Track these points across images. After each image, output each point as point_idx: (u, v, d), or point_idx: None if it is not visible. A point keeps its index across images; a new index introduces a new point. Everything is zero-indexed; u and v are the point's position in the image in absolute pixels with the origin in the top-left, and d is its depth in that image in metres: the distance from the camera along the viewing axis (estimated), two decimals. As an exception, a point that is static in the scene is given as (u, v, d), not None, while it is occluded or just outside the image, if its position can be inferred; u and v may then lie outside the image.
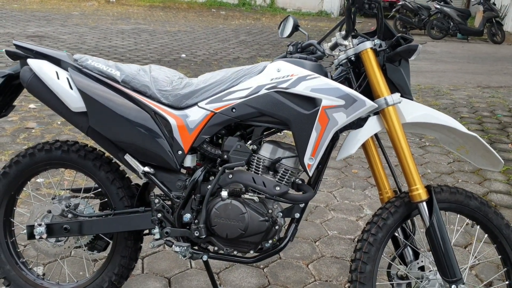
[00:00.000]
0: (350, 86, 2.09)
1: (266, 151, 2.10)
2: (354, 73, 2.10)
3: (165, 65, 8.33)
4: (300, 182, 2.10)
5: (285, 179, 2.08)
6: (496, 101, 7.34)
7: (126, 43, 10.45)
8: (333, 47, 2.12)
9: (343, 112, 1.91)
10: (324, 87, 1.93)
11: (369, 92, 2.06)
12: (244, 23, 15.27)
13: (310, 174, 1.99)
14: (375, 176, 2.21)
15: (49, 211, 2.29)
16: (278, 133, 2.19)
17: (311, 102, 1.97)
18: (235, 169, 2.09)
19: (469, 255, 3.04)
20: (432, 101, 7.11)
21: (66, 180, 3.71)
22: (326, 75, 2.06)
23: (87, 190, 2.42)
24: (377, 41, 2.02)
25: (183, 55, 9.45)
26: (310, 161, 1.97)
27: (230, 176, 2.08)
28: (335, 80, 2.11)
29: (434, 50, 12.16)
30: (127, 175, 2.35)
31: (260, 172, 2.09)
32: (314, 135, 1.94)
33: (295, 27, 2.45)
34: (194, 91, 2.14)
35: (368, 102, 1.91)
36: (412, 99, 2.07)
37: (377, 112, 2.03)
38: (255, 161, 2.10)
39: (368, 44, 2.00)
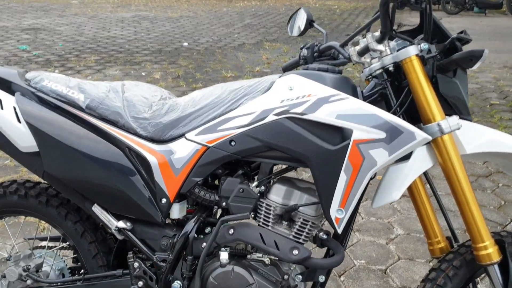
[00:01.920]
0: (388, 106, 1.56)
1: (278, 195, 1.58)
2: (392, 88, 1.56)
3: (166, 55, 7.81)
4: (324, 236, 1.58)
5: (304, 233, 1.57)
6: (526, 83, 6.71)
7: (126, 32, 9.91)
8: (362, 52, 1.57)
9: (383, 148, 1.37)
10: (355, 113, 1.40)
11: (413, 112, 1.53)
12: (249, 4, 14.60)
13: (339, 231, 1.47)
14: (422, 219, 1.69)
15: (3, 276, 1.80)
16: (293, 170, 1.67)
17: (338, 134, 1.44)
18: (237, 221, 1.58)
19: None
20: (456, 86, 6.49)
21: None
22: (355, 92, 1.53)
23: (56, 238, 1.93)
24: (424, 45, 1.47)
25: (185, 44, 8.90)
26: (339, 213, 1.45)
27: (231, 231, 1.57)
28: (367, 98, 1.57)
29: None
30: (101, 224, 1.85)
31: (270, 223, 1.58)
32: (343, 179, 1.42)
33: (309, 23, 1.91)
34: (180, 118, 1.61)
35: (419, 133, 1.37)
36: (471, 120, 1.53)
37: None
38: (264, 208, 1.58)
39: (412, 50, 1.46)
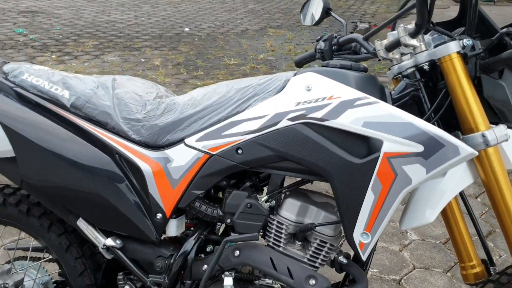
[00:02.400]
0: (420, 111, 1.34)
1: (291, 211, 1.37)
2: (426, 90, 1.34)
3: (166, 41, 7.55)
4: (345, 261, 1.37)
5: (321, 256, 1.36)
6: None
7: (126, 17, 9.61)
8: (391, 47, 1.34)
9: (420, 164, 1.15)
10: (386, 120, 1.18)
11: (449, 118, 1.31)
12: (253, -11, 14.26)
13: (364, 258, 1.26)
14: (455, 240, 1.48)
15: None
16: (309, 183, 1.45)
17: (365, 145, 1.23)
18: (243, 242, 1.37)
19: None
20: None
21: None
22: (383, 94, 1.31)
23: (40, 248, 1.73)
24: (467, 41, 1.24)
25: (187, 29, 8.61)
26: (364, 238, 1.23)
27: (237, 253, 1.36)
28: (396, 100, 1.35)
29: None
30: (89, 237, 1.64)
31: (281, 244, 1.37)
32: (370, 198, 1.20)
33: (326, 12, 1.68)
34: (178, 120, 1.40)
35: (464, 148, 1.15)
36: (516, 128, 1.31)
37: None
38: (274, 226, 1.37)
39: (453, 47, 1.23)
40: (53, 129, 1.41)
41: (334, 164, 1.22)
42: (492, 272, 1.47)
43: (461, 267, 1.49)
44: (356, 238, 1.23)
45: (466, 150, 1.13)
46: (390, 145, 1.16)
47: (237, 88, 1.39)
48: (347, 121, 1.20)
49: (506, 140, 1.23)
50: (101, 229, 1.45)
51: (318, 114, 1.24)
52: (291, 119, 1.26)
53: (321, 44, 1.61)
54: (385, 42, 1.37)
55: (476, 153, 1.15)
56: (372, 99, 1.20)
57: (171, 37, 7.99)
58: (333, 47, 1.59)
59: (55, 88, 1.46)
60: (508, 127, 1.27)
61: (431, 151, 1.14)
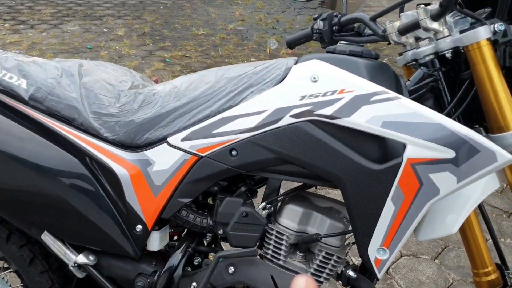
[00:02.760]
0: (439, 104, 1.18)
1: (292, 219, 1.20)
2: (446, 81, 1.17)
3: (130, 9, 7.14)
4: (353, 274, 1.21)
5: (326, 270, 1.20)
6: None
7: (84, -18, 9.04)
8: (405, 30, 1.16)
9: (451, 172, 0.99)
10: (409, 120, 1.00)
11: (471, 113, 1.16)
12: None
13: (380, 276, 1.10)
14: (468, 246, 1.34)
15: None
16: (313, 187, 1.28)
17: (384, 148, 1.06)
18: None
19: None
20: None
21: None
22: (398, 86, 1.13)
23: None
24: (499, 26, 1.07)
25: (151, -4, 8.17)
26: (381, 254, 1.07)
27: (231, 269, 1.18)
28: (413, 92, 1.18)
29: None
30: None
31: (281, 256, 1.20)
32: (389, 210, 1.04)
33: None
34: (160, 115, 1.19)
35: (502, 153, 0.98)
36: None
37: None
38: (273, 237, 1.20)
39: (483, 33, 1.06)
40: (8, 126, 1.18)
41: (347, 170, 1.05)
42: (507, 277, 1.35)
43: (474, 273, 1.36)
44: (372, 254, 1.08)
45: (504, 156, 0.97)
46: (415, 149, 0.99)
47: (229, 77, 1.19)
48: (363, 120, 1.03)
49: (541, 141, 1.08)
50: (71, 244, 1.24)
51: (328, 111, 1.05)
52: (295, 116, 1.08)
53: (319, 24, 1.41)
54: (397, 24, 1.18)
55: None
56: (392, 93, 1.03)
57: (134, 4, 7.57)
58: (334, 28, 1.40)
59: (9, 76, 1.22)
60: None
61: (463, 157, 0.98)
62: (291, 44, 1.58)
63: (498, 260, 1.39)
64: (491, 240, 1.38)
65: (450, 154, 0.98)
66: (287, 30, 6.60)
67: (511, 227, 2.71)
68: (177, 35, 6.06)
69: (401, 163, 1.01)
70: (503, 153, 0.97)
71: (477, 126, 1.21)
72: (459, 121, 1.16)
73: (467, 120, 1.19)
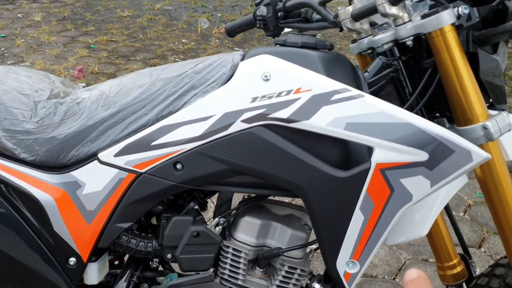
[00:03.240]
0: (399, 96, 1.08)
1: (249, 233, 1.07)
2: (407, 70, 1.07)
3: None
4: (318, 287, 1.10)
5: (290, 285, 1.09)
6: None
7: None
8: (359, 16, 1.04)
9: (424, 175, 0.89)
10: (376, 121, 0.89)
11: (432, 102, 1.08)
12: None
13: (349, 291, 1.00)
14: (432, 239, 1.28)
15: None
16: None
17: (349, 152, 0.94)
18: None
19: None
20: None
21: None
22: (357, 78, 1.02)
23: None
24: (464, 9, 0.97)
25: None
26: (350, 267, 0.97)
27: (185, 298, 1.04)
28: (372, 85, 1.07)
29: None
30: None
31: (240, 276, 1.08)
32: (358, 220, 0.93)
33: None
34: (86, 128, 1.01)
35: (478, 152, 0.89)
36: (506, 110, 1.10)
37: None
38: (229, 255, 1.07)
39: (447, 17, 0.96)
40: None
41: (310, 179, 0.93)
42: (471, 268, 1.31)
43: (438, 266, 1.31)
44: (341, 267, 0.97)
45: (480, 155, 0.89)
46: (384, 153, 0.89)
47: (166, 77, 1.03)
48: (324, 123, 0.91)
49: (509, 130, 1.01)
50: (-10, 287, 1.05)
51: (284, 114, 0.92)
52: (247, 121, 0.94)
53: (262, 10, 1.27)
54: (350, 9, 1.07)
55: (490, 156, 0.91)
56: (354, 91, 0.91)
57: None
58: (279, 14, 1.26)
59: None
60: (492, 108, 1.05)
61: (437, 159, 0.88)
62: (231, 32, 1.43)
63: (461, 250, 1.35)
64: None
65: (422, 156, 0.88)
66: (217, 8, 6.39)
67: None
68: (100, 18, 5.68)
69: (369, 168, 0.90)
70: (478, 151, 0.89)
71: (438, 115, 1.13)
72: (422, 114, 1.08)
73: (428, 110, 1.11)
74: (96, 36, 5.00)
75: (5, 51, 4.49)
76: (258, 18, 1.30)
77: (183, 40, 5.08)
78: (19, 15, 5.63)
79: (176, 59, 4.54)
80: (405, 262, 2.30)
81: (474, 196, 2.73)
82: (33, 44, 4.70)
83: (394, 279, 2.18)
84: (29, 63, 4.24)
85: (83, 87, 1.22)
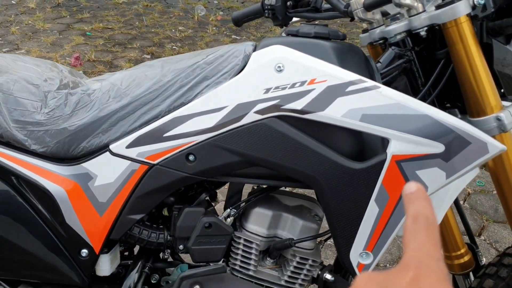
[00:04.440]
0: (412, 86, 1.08)
1: (260, 224, 1.07)
2: (419, 61, 1.07)
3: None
4: (330, 277, 1.10)
5: (301, 276, 1.09)
6: None
7: None
8: (372, 6, 1.04)
9: (439, 167, 0.89)
10: (392, 112, 0.89)
11: (447, 93, 1.07)
12: None
13: (362, 282, 1.01)
14: (440, 231, 1.29)
15: None
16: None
17: (364, 144, 0.94)
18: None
19: None
20: None
21: None
22: (370, 69, 1.02)
23: None
24: (478, -1, 0.97)
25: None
26: (364, 259, 0.98)
27: (197, 289, 1.04)
28: (385, 76, 1.07)
29: None
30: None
31: (251, 267, 1.08)
32: (373, 211, 0.94)
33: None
34: (98, 119, 1.00)
35: (494, 144, 0.89)
36: (515, 101, 1.10)
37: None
38: (241, 246, 1.07)
39: (462, 8, 0.95)
40: None
41: (324, 171, 0.93)
42: (479, 258, 1.32)
43: (445, 256, 1.32)
44: (354, 258, 0.98)
45: (496, 146, 0.89)
46: (400, 145, 0.89)
47: (177, 69, 1.02)
48: (339, 114, 0.90)
49: (526, 121, 1.01)
50: (4, 279, 1.04)
51: (298, 105, 0.92)
52: (260, 112, 0.93)
53: (271, -1, 1.26)
54: (363, -1, 1.06)
55: (506, 148, 0.92)
56: (370, 82, 0.91)
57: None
58: (288, 3, 1.25)
59: None
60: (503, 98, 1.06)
61: (453, 151, 0.88)
62: (238, 21, 1.42)
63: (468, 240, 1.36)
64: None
65: (438, 148, 0.88)
66: (214, -6, 6.33)
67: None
68: (96, 5, 5.62)
69: (384, 160, 0.90)
70: (494, 143, 0.89)
71: (448, 105, 1.13)
72: (434, 104, 1.07)
73: (441, 100, 1.10)
74: (91, 24, 4.95)
75: (0, 39, 4.44)
76: (266, 7, 1.29)
77: (180, 28, 5.04)
78: (13, 1, 5.56)
79: (174, 47, 4.50)
80: (406, 250, 2.31)
81: (473, 185, 2.75)
82: (28, 32, 4.65)
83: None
84: (24, 51, 4.19)
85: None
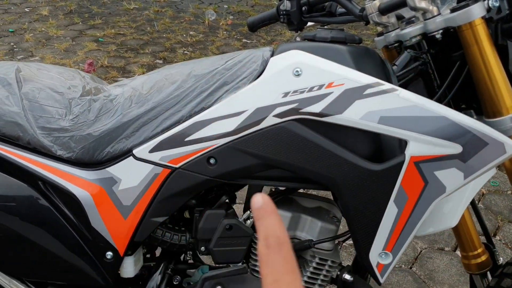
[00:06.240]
0: (427, 89, 1.10)
1: (279, 226, 1.09)
2: (435, 63, 1.08)
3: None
4: (349, 278, 1.12)
5: (321, 277, 1.11)
6: None
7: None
8: (387, 10, 1.06)
9: (457, 168, 0.91)
10: (410, 114, 0.91)
11: (463, 95, 1.09)
12: None
13: (382, 281, 1.03)
14: (457, 231, 1.30)
15: None
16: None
17: (383, 146, 0.96)
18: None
19: None
20: None
21: None
22: (386, 72, 1.03)
23: None
24: (493, 1, 0.98)
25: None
26: (383, 259, 0.99)
27: (219, 290, 1.07)
28: (401, 78, 1.08)
29: None
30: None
31: (271, 267, 1.10)
32: (392, 212, 0.95)
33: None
34: (121, 125, 1.03)
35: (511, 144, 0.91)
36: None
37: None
38: (261, 248, 1.09)
39: (477, 11, 0.97)
40: None
41: (343, 173, 0.95)
42: (496, 257, 1.33)
43: (462, 256, 1.33)
44: (374, 259, 0.99)
45: (513, 146, 0.90)
46: (418, 146, 0.91)
47: (197, 74, 1.04)
48: (357, 116, 0.92)
49: (540, 123, 1.02)
50: (31, 281, 1.07)
51: (316, 108, 0.94)
52: (279, 116, 0.95)
53: (286, 4, 1.28)
54: (377, 2, 1.08)
55: None
56: (387, 85, 0.93)
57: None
58: (303, 8, 1.27)
59: None
60: None
61: (471, 151, 0.90)
62: (253, 27, 1.44)
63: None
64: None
65: (456, 149, 0.90)
66: (224, -1, 6.37)
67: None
68: (107, 11, 5.69)
69: (403, 162, 0.92)
70: (511, 143, 0.90)
71: (464, 106, 1.14)
72: (449, 106, 1.09)
73: (456, 102, 1.12)
74: (104, 30, 5.00)
75: (15, 46, 4.51)
76: (281, 12, 1.31)
77: (191, 33, 5.08)
78: (26, 9, 5.64)
79: (185, 52, 4.54)
80: (421, 251, 2.32)
81: (487, 185, 2.75)
82: (42, 39, 4.71)
83: (410, 268, 2.21)
84: (38, 58, 4.26)
85: None
